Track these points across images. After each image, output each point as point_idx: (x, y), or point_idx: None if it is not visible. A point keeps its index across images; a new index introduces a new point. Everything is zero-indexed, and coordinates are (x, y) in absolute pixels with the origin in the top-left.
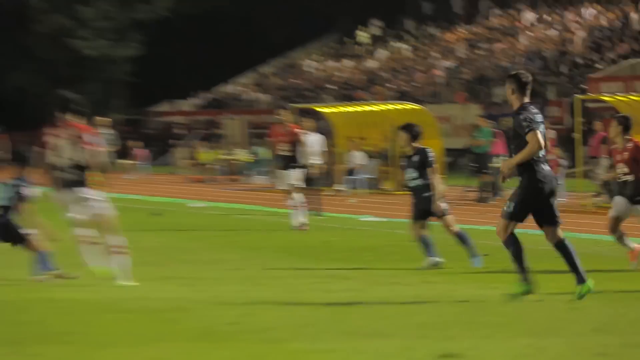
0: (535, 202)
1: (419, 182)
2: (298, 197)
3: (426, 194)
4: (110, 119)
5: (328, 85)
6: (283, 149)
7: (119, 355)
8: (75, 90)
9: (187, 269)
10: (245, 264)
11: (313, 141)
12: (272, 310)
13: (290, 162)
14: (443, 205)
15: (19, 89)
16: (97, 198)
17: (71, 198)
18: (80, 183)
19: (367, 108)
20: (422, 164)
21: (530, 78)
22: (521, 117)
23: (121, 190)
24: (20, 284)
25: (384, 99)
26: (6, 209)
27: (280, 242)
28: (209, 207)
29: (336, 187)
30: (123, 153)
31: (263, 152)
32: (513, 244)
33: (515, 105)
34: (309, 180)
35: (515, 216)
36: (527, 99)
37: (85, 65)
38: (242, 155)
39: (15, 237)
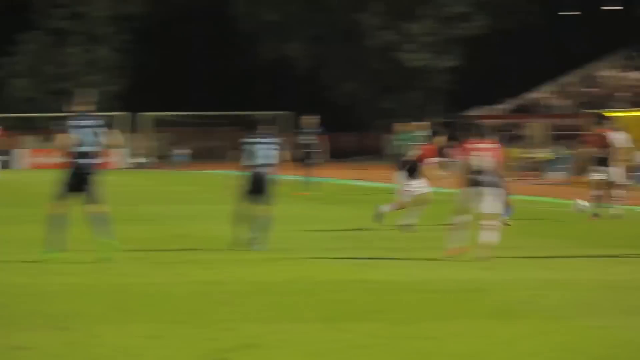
0: None
1: None
2: (617, 192)
3: None
4: (428, 123)
5: (620, 94)
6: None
7: (423, 330)
8: (399, 98)
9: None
10: (539, 249)
11: (620, 140)
12: (560, 291)
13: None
14: None
15: (352, 95)
16: None
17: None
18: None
19: None
20: None
21: None
22: None
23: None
24: (333, 266)
25: None
26: None
27: (572, 230)
28: (514, 198)
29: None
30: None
31: (561, 152)
32: None
33: None
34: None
35: None
36: None
37: (410, 75)
38: (542, 153)
39: None
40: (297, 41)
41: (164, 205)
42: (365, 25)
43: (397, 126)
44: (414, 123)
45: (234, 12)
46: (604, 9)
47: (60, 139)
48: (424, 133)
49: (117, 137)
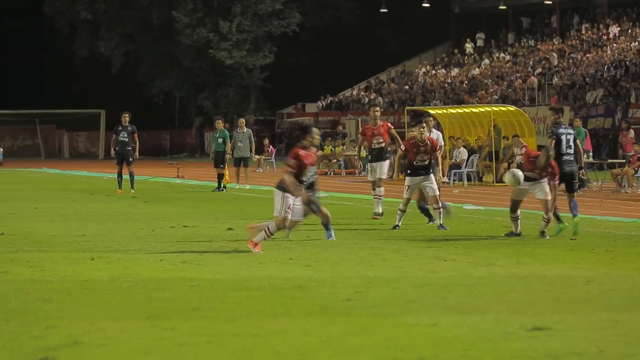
0: None
1: None
2: (382, 189)
3: None
4: (246, 120)
5: (438, 90)
6: (378, 142)
7: (245, 327)
8: (215, 95)
9: (308, 251)
10: (360, 247)
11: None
12: (382, 288)
13: (380, 154)
14: None
15: (166, 93)
16: None
17: None
18: None
19: (472, 110)
20: None
21: None
22: None
23: (254, 182)
24: (155, 264)
25: (487, 102)
26: None
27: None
28: (331, 196)
29: (443, 179)
30: (258, 150)
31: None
32: None
33: None
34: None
35: None
36: None
37: (225, 73)
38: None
39: None
40: (110, 39)
41: None
42: (180, 23)
43: (216, 123)
44: (241, 120)
45: (49, 10)
46: (422, 5)
47: None
48: (245, 130)
49: None
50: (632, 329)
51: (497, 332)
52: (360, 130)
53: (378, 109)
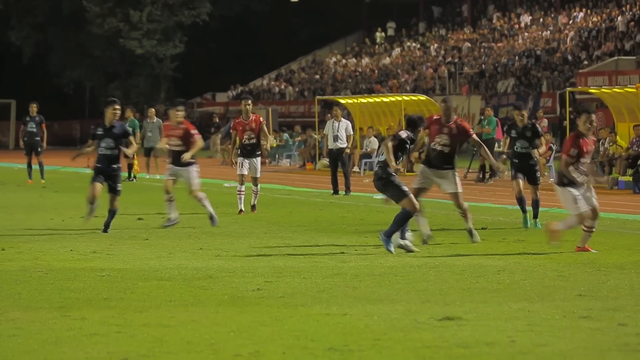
0: None
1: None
2: (258, 187)
3: None
4: (156, 110)
5: (348, 80)
6: (249, 138)
7: (155, 318)
8: (125, 85)
9: (219, 241)
10: (270, 237)
11: (341, 127)
12: (293, 278)
13: (252, 150)
14: None
15: (77, 83)
16: None
17: None
18: None
19: (382, 99)
20: None
21: None
22: None
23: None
24: (66, 254)
25: (398, 91)
26: None
27: (302, 217)
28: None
29: (354, 169)
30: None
31: (289, 138)
32: None
33: None
34: (337, 162)
35: None
36: None
37: (135, 63)
38: (270, 140)
39: None
40: (21, 29)
41: None
42: (90, 12)
43: (126, 113)
44: (151, 109)
45: None
46: None
47: None
48: (154, 120)
49: None
50: (544, 319)
51: (408, 322)
52: (232, 125)
53: (249, 102)
